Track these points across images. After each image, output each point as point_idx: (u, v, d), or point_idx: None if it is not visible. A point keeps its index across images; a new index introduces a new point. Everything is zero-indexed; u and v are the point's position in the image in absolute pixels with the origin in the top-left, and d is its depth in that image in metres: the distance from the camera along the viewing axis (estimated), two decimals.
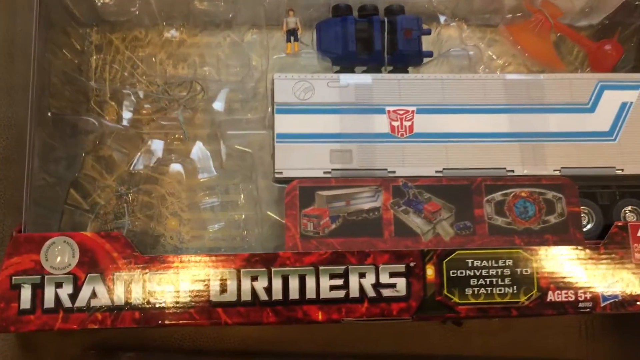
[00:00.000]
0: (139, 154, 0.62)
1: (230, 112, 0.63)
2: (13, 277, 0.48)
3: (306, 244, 0.51)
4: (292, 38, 0.60)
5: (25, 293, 0.48)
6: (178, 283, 0.49)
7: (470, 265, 0.51)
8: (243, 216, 0.62)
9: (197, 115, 0.63)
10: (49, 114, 0.54)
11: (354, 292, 0.50)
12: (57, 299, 0.48)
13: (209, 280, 0.49)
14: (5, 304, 0.48)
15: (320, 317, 0.49)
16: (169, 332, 0.62)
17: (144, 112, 0.63)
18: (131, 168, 0.60)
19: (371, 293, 0.50)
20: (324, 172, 0.54)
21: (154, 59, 0.65)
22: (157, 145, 0.62)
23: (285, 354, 0.62)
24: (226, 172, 0.61)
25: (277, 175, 0.53)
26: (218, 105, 0.63)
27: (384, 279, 0.50)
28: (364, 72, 0.59)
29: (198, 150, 0.62)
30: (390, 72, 0.59)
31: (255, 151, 0.61)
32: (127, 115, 0.62)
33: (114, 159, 0.62)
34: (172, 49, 0.66)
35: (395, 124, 0.55)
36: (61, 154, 0.60)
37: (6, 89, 0.65)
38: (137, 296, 0.49)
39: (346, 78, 0.55)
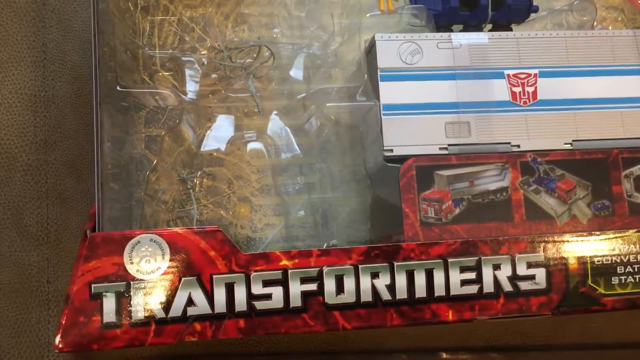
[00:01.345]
0: (208, 132, 0.54)
1: (308, 81, 0.55)
2: (92, 285, 0.40)
3: (428, 232, 0.45)
4: None
5: (109, 303, 0.40)
6: (288, 284, 0.42)
7: (615, 251, 0.45)
8: (327, 199, 0.55)
9: (270, 86, 0.55)
10: (118, 87, 0.46)
11: (488, 286, 0.43)
12: (148, 308, 0.41)
13: (322, 279, 0.42)
14: (85, 318, 0.40)
15: (450, 316, 0.43)
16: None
17: (207, 82, 0.55)
18: (201, 149, 0.53)
19: (507, 287, 0.44)
20: (440, 148, 0.46)
21: (212, 21, 0.57)
22: (227, 122, 0.54)
23: (372, 351, 0.56)
24: (309, 150, 0.54)
25: (387, 154, 0.46)
26: (296, 72, 0.55)
27: (522, 270, 0.44)
28: (460, 31, 0.52)
29: (276, 125, 0.54)
30: (490, 30, 0.52)
31: (345, 127, 0.53)
32: (190, 86, 0.54)
33: (178, 136, 0.54)
34: (228, 8, 0.58)
35: (517, 90, 0.48)
36: (124, 134, 0.52)
37: (38, 60, 0.56)
38: (240, 301, 0.42)
39: (459, 38, 0.48)
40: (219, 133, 0.53)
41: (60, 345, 0.39)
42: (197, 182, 0.54)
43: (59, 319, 0.52)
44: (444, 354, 0.56)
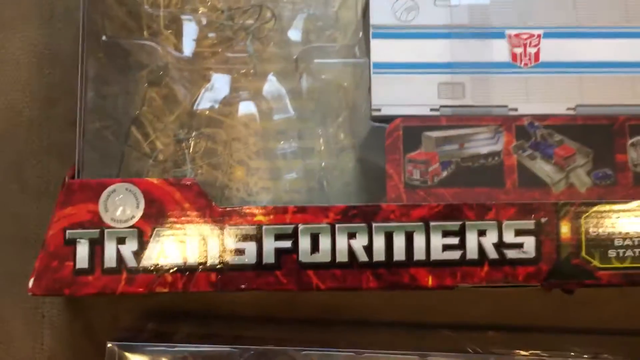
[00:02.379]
0: (203, 90, 0.53)
1: (307, 43, 0.54)
2: (67, 231, 0.41)
3: (412, 195, 0.43)
4: None
5: (82, 250, 0.41)
6: (261, 240, 0.41)
7: (614, 222, 0.42)
8: (323, 164, 0.54)
9: (269, 48, 0.55)
10: (103, 37, 0.46)
11: (472, 253, 0.41)
12: (120, 257, 0.40)
13: (297, 236, 0.41)
14: (58, 263, 0.41)
15: (430, 282, 0.41)
16: (235, 297, 0.55)
17: (207, 43, 0.55)
18: (194, 107, 0.52)
19: (493, 254, 0.41)
20: (431, 110, 0.45)
21: None
22: (223, 81, 0.54)
23: (367, 323, 0.54)
24: (304, 113, 0.53)
25: (374, 113, 0.44)
26: (294, 34, 0.54)
27: (509, 237, 0.42)
28: None
29: (271, 86, 0.53)
30: None
31: (338, 87, 0.52)
32: (188, 45, 0.54)
33: (174, 95, 0.54)
34: None
35: (518, 50, 0.45)
36: (116, 88, 0.53)
37: (44, 15, 0.57)
38: (213, 255, 0.41)
39: None
40: (214, 92, 0.52)
41: (33, 289, 0.40)
42: (193, 142, 0.54)
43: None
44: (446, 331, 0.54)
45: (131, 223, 0.41)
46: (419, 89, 0.45)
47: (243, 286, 0.41)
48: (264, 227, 0.41)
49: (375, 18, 0.45)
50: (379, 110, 0.44)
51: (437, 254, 0.41)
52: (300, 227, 0.41)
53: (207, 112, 0.52)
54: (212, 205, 0.41)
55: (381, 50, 0.45)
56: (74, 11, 0.56)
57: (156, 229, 0.41)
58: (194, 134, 0.54)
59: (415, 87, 0.45)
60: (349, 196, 0.52)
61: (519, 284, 0.41)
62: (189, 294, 0.41)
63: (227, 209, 0.41)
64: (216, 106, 0.52)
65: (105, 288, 0.41)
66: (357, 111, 0.49)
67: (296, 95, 0.53)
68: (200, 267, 0.41)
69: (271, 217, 0.41)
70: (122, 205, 0.41)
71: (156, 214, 0.41)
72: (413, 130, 0.43)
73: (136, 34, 0.54)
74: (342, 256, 0.41)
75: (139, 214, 0.41)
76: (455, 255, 0.41)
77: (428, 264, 0.41)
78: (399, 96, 0.44)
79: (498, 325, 0.55)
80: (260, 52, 0.53)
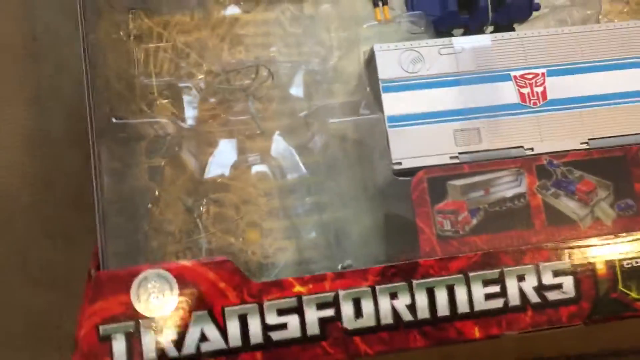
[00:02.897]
0: (211, 158, 0.52)
1: (309, 97, 0.54)
2: (100, 327, 0.39)
3: (446, 246, 0.43)
4: (380, 2, 0.51)
5: (119, 345, 0.39)
6: (303, 311, 0.40)
7: None
8: (338, 218, 0.54)
9: (271, 106, 0.54)
10: (113, 119, 0.45)
11: (514, 299, 0.41)
12: (159, 348, 0.39)
13: (339, 303, 0.41)
14: None
15: (477, 334, 0.41)
16: None
17: (206, 107, 0.54)
18: (205, 175, 0.51)
19: (534, 298, 0.41)
20: (450, 157, 0.45)
21: (208, 44, 0.56)
22: (230, 146, 0.53)
23: None
24: (315, 169, 0.53)
25: (395, 167, 0.44)
26: (296, 90, 0.53)
27: (547, 279, 0.42)
28: (462, 35, 0.50)
29: (279, 146, 0.53)
30: (492, 32, 0.50)
31: (348, 142, 0.52)
32: (189, 113, 0.53)
33: (179, 165, 0.53)
34: (223, 30, 0.56)
35: (525, 91, 0.46)
36: (119, 165, 0.51)
37: (32, 97, 0.55)
38: (255, 333, 0.40)
39: (460, 42, 0.46)
40: (222, 158, 0.51)
41: None
42: (204, 209, 0.53)
43: None
44: None
45: (167, 311, 0.39)
46: (435, 138, 0.45)
47: None
48: (304, 298, 0.40)
49: (383, 72, 0.45)
50: (400, 164, 0.44)
51: (480, 304, 0.41)
52: (341, 293, 0.40)
53: (219, 179, 0.51)
54: (248, 281, 0.40)
55: (393, 103, 0.45)
56: (62, 89, 0.55)
57: (194, 314, 0.39)
58: (204, 201, 0.53)
59: (432, 136, 0.45)
60: (369, 248, 0.51)
61: (563, 325, 0.41)
62: None
63: (265, 282, 0.40)
64: (227, 172, 0.51)
65: None
66: (373, 164, 0.49)
67: (305, 151, 0.53)
68: (244, 347, 0.40)
69: (310, 286, 0.40)
70: (155, 293, 0.40)
71: (192, 298, 0.40)
72: (437, 180, 0.43)
73: (133, 106, 0.53)
74: (386, 318, 0.40)
75: (173, 300, 0.40)
76: (499, 303, 0.41)
77: (473, 315, 0.41)
78: (418, 147, 0.44)
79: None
80: (262, 111, 0.53)
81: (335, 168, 0.52)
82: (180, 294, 0.39)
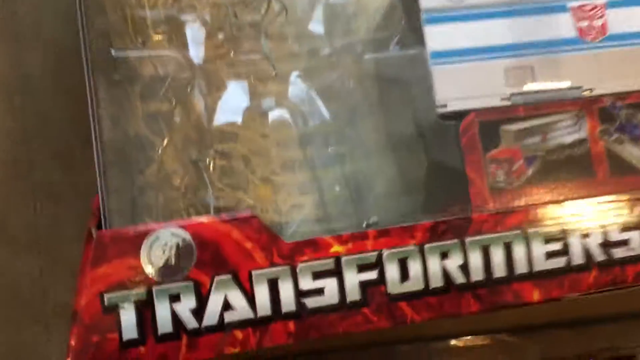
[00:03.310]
0: (219, 102, 0.46)
1: (330, 34, 0.48)
2: (105, 296, 0.33)
3: (499, 199, 0.38)
4: None
5: (128, 316, 0.33)
6: (342, 274, 0.35)
7: None
8: (360, 170, 0.48)
9: (287, 45, 0.48)
10: (112, 51, 0.38)
11: (577, 257, 0.37)
12: (176, 318, 0.33)
13: (382, 265, 0.36)
14: (100, 336, 0.33)
15: (536, 296, 0.36)
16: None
17: (212, 45, 0.48)
18: (214, 123, 0.45)
19: (600, 256, 0.37)
20: (502, 99, 0.40)
21: None
22: (240, 89, 0.47)
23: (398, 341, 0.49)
24: (338, 115, 0.47)
25: (440, 110, 0.39)
26: (315, 26, 0.47)
27: (613, 235, 0.37)
28: None
29: (297, 89, 0.47)
30: None
31: (379, 82, 0.46)
32: (194, 50, 0.46)
33: (192, 111, 0.46)
34: None
35: (583, 24, 0.41)
36: (111, 109, 0.44)
37: (10, 37, 0.47)
38: (287, 300, 0.35)
39: None
40: (231, 103, 0.45)
41: None
42: (210, 162, 0.47)
43: (60, 335, 0.45)
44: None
45: (184, 275, 0.34)
46: (485, 77, 0.39)
47: (326, 332, 0.35)
48: (343, 259, 0.35)
49: (426, 1, 0.40)
50: (445, 106, 0.39)
51: (540, 263, 0.36)
52: (385, 253, 0.35)
53: (227, 128, 0.45)
54: (279, 241, 0.35)
55: (437, 37, 0.39)
56: (39, 24, 0.48)
57: (216, 279, 0.34)
58: (210, 152, 0.46)
59: (481, 75, 0.39)
60: (396, 203, 0.46)
61: (630, 285, 0.37)
62: (264, 351, 0.35)
63: (298, 241, 0.34)
64: (237, 119, 0.44)
65: (164, 358, 0.33)
66: (408, 108, 0.43)
67: (327, 95, 0.47)
68: (275, 316, 0.34)
69: (349, 245, 0.35)
70: (169, 255, 0.34)
71: (213, 260, 0.34)
72: (489, 125, 0.38)
73: (127, 40, 0.46)
74: (436, 281, 0.36)
75: (191, 262, 0.34)
76: (560, 262, 0.37)
77: (532, 276, 0.36)
78: (465, 88, 0.39)
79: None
80: (276, 50, 0.47)
81: (361, 114, 0.46)
82: (199, 256, 0.34)
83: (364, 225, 0.43)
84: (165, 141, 0.44)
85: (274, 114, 0.44)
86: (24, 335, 0.45)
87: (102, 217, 0.34)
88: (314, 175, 0.46)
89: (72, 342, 0.32)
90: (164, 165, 0.46)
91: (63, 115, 0.47)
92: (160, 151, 0.45)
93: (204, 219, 0.34)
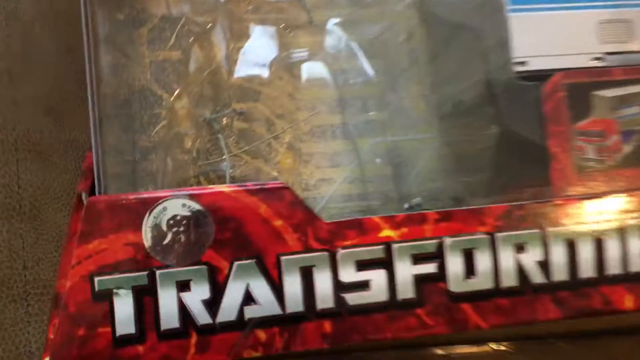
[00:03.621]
0: (242, 51, 0.39)
1: None
2: (96, 279, 0.26)
3: (587, 181, 0.31)
4: None
5: (123, 305, 0.26)
6: (392, 265, 0.28)
7: None
8: (404, 140, 0.41)
9: None
10: None
11: None
12: (185, 311, 0.27)
13: (443, 255, 0.29)
14: (87, 330, 0.26)
15: (629, 303, 0.30)
16: None
17: None
18: (235, 75, 0.38)
19: None
20: (593, 59, 0.33)
21: None
22: (266, 38, 0.40)
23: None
24: (381, 75, 0.40)
25: (518, 68, 0.32)
26: None
27: None
28: None
29: (336, 41, 0.40)
30: None
31: (437, 32, 0.39)
32: None
33: (201, 63, 0.39)
34: None
35: None
36: (122, 59, 0.37)
37: None
38: (324, 294, 0.28)
39: None
40: (257, 54, 0.38)
41: None
42: (227, 123, 0.40)
43: (43, 317, 0.38)
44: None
45: (196, 257, 0.27)
46: (574, 31, 0.32)
47: (371, 336, 0.28)
48: (394, 247, 0.28)
49: None
50: (524, 63, 0.32)
51: (637, 263, 0.30)
52: (447, 241, 0.29)
53: (250, 83, 0.38)
54: (316, 220, 0.28)
55: None
56: None
57: (236, 264, 0.27)
58: (226, 112, 0.39)
59: (569, 28, 0.32)
60: (444, 183, 0.40)
61: None
62: (293, 356, 0.28)
63: (339, 221, 0.28)
64: (265, 73, 0.37)
65: None
66: (476, 63, 0.36)
67: (370, 50, 0.40)
68: (308, 314, 0.28)
69: (404, 230, 0.28)
70: (178, 231, 0.27)
71: (234, 241, 0.27)
72: (579, 89, 0.31)
73: None
74: (508, 278, 0.29)
75: (206, 241, 0.27)
76: None
77: (626, 278, 0.30)
78: (549, 42, 0.32)
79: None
80: None
81: (410, 71, 0.39)
82: (217, 235, 0.27)
83: (405, 207, 0.36)
84: (175, 95, 0.37)
85: (306, 70, 0.37)
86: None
87: (95, 180, 0.27)
88: (350, 145, 0.40)
89: (51, 335, 0.26)
90: (172, 125, 0.39)
91: (53, 47, 0.40)
92: (168, 107, 0.38)
93: (223, 187, 0.27)
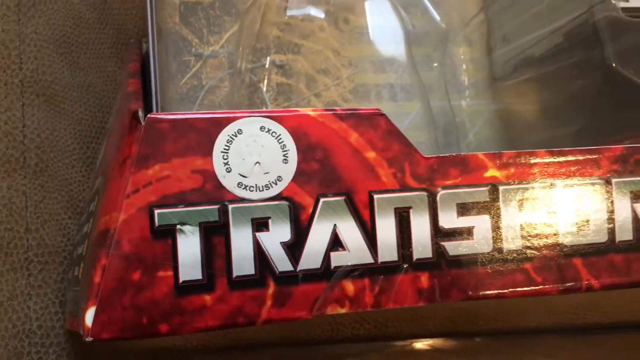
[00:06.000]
0: None
1: None
2: (156, 211, 0.21)
3: None
4: None
5: (188, 245, 0.21)
6: (499, 210, 0.25)
7: None
8: (463, 104, 0.38)
9: None
10: None
11: None
12: (262, 255, 0.22)
13: (555, 204, 0.25)
14: (144, 274, 0.21)
15: None
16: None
17: None
18: (287, 12, 0.34)
19: None
20: None
21: None
22: None
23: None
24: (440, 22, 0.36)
25: (622, 4, 0.29)
26: None
27: None
28: None
29: None
30: None
31: None
32: None
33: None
34: None
35: None
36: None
37: None
38: (422, 242, 0.24)
39: None
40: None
41: (96, 329, 0.21)
42: (265, 75, 0.36)
43: (46, 289, 0.32)
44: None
45: (277, 191, 0.23)
46: None
47: (473, 293, 0.24)
48: (501, 188, 0.25)
49: None
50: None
51: None
52: (559, 184, 0.25)
53: (287, 36, 0.33)
54: (415, 154, 0.24)
55: None
56: None
57: (322, 201, 0.23)
58: (261, 63, 0.35)
59: None
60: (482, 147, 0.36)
61: None
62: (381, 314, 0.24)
63: (442, 156, 0.24)
64: (321, 14, 0.33)
65: (238, 315, 0.22)
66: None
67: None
68: (404, 264, 0.24)
69: (511, 170, 0.25)
70: (256, 159, 0.23)
71: (320, 173, 0.23)
72: None
73: None
74: (624, 231, 0.26)
75: (289, 174, 0.23)
76: None
77: None
78: None
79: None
80: None
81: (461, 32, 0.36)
82: (300, 165, 0.23)
83: None
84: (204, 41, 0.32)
85: (347, 21, 0.34)
86: None
87: (154, 94, 0.22)
88: (393, 106, 0.36)
89: (97, 279, 0.21)
90: (206, 68, 0.34)
91: None
92: (198, 55, 0.33)
93: (310, 111, 0.23)
